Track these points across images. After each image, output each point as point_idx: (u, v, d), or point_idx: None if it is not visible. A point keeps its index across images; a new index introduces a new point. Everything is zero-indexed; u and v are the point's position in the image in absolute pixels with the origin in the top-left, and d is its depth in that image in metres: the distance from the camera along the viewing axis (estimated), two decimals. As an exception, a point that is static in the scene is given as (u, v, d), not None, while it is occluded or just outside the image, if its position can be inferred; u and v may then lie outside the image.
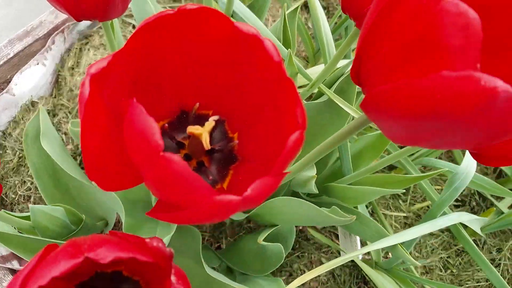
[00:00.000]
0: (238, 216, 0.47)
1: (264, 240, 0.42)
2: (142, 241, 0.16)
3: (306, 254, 0.57)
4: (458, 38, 0.14)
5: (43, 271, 0.15)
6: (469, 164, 0.43)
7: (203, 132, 0.19)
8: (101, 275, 0.21)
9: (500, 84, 0.14)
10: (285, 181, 0.42)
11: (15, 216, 0.37)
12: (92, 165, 0.16)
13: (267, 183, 0.15)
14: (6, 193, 0.56)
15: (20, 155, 0.58)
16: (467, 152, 0.46)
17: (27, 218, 0.39)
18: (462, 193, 0.69)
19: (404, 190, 0.40)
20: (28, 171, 0.57)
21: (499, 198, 0.68)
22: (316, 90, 0.47)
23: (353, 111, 0.39)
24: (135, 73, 0.17)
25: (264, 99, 0.18)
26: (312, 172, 0.43)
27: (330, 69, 0.40)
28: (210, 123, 0.19)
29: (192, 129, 0.19)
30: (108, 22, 0.37)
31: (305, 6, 0.76)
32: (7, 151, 0.58)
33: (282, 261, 0.44)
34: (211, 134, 0.20)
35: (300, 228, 0.61)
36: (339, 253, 0.58)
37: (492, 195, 0.68)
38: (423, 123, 0.17)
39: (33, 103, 0.61)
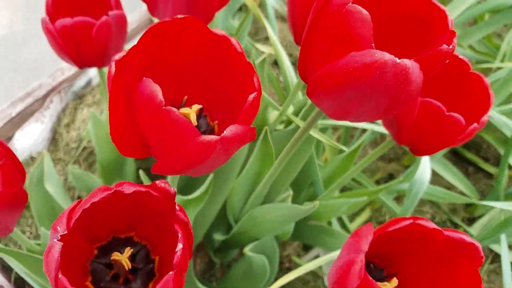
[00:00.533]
0: (222, 236, 0.51)
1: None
2: (153, 183, 0.22)
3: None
4: (358, 28, 0.22)
5: (86, 201, 0.21)
6: (423, 175, 0.50)
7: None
8: (117, 240, 0.26)
9: (387, 55, 0.22)
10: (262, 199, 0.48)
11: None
12: (116, 131, 0.22)
13: (238, 128, 0.22)
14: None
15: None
16: (421, 164, 0.53)
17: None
18: (434, 220, 0.75)
19: (365, 198, 0.46)
20: (30, 214, 0.61)
21: (470, 222, 0.74)
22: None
23: (316, 132, 0.46)
24: (143, 62, 0.24)
25: (234, 84, 0.25)
26: (288, 192, 0.49)
27: (291, 100, 0.47)
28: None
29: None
30: (104, 68, 0.45)
31: (276, 63, 0.86)
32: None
33: (267, 276, 0.49)
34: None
35: (286, 265, 0.65)
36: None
37: (463, 221, 0.74)
38: (347, 95, 0.24)
39: (32, 158, 0.67)
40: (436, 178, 0.78)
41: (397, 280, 0.26)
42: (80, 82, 0.75)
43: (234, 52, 0.24)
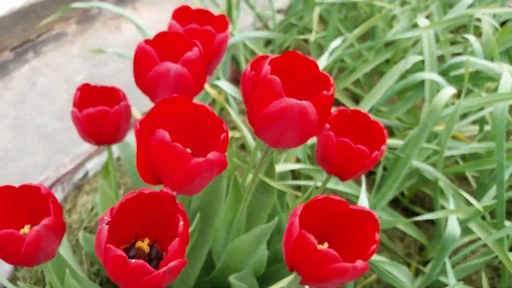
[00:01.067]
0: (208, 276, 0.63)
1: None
2: (161, 190, 0.36)
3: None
4: (274, 87, 0.39)
5: (121, 200, 0.34)
6: (363, 201, 0.64)
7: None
8: (135, 243, 0.39)
9: (293, 100, 0.38)
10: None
11: None
12: (140, 166, 0.37)
13: (216, 153, 0.37)
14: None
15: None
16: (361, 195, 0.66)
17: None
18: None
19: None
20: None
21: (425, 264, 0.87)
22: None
23: (274, 183, 0.60)
24: (155, 122, 0.40)
25: (211, 131, 0.41)
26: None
27: (253, 158, 0.63)
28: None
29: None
30: (110, 146, 0.59)
31: (243, 146, 1.02)
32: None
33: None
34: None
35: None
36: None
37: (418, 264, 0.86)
38: (276, 128, 0.40)
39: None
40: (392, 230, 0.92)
41: (327, 244, 0.39)
42: (79, 175, 0.89)
43: (209, 113, 0.40)
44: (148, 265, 0.33)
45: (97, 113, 0.52)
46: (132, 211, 0.37)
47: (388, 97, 0.96)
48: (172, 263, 0.33)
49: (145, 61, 0.47)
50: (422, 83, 0.93)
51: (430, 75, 0.86)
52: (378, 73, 1.10)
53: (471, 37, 0.89)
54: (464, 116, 0.92)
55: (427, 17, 1.10)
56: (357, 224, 0.39)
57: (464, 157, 0.98)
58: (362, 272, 0.36)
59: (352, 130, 0.54)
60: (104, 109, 0.53)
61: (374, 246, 0.36)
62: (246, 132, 0.73)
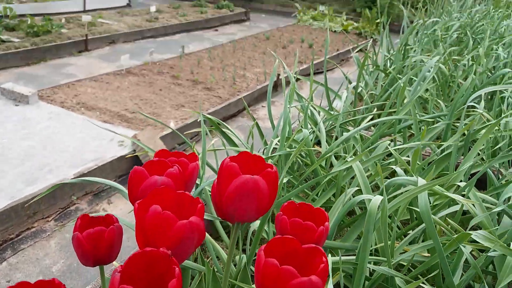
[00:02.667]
0: None
1: None
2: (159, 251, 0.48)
3: None
4: (232, 169, 0.56)
5: (125, 263, 0.46)
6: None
7: None
8: None
9: (248, 176, 0.55)
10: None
11: None
12: (139, 239, 0.50)
13: (197, 218, 0.51)
14: None
15: None
16: None
17: None
18: None
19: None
20: None
21: None
22: None
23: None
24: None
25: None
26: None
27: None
28: None
29: None
30: (103, 267, 0.70)
31: None
32: None
33: None
34: None
35: None
36: None
37: None
38: (236, 200, 0.55)
39: None
40: None
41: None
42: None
43: (187, 196, 0.55)
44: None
45: (95, 232, 0.65)
46: (137, 266, 0.48)
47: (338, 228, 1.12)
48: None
49: (138, 177, 0.63)
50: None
51: (366, 196, 1.05)
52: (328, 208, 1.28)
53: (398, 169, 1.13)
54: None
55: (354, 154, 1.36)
56: (308, 256, 0.52)
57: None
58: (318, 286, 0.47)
59: (300, 215, 0.69)
60: (101, 229, 0.66)
61: (323, 265, 0.48)
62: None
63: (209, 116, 1.24)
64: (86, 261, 0.68)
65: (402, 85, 1.71)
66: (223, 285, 0.65)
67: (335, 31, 7.46)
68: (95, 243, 0.67)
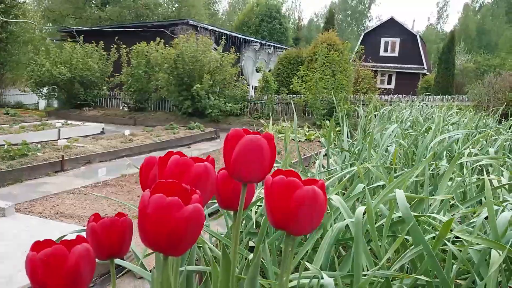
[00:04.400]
0: None
1: None
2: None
3: None
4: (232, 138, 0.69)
5: None
6: None
7: None
8: None
9: (251, 135, 0.69)
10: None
11: None
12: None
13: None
14: None
15: None
16: None
17: None
18: None
19: None
20: None
21: None
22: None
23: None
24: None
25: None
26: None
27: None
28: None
29: None
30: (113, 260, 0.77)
31: None
32: None
33: None
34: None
35: None
36: None
37: None
38: (243, 159, 0.68)
39: None
40: None
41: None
42: None
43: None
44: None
45: (109, 221, 0.74)
46: (162, 189, 0.59)
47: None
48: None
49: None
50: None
51: (349, 220, 1.16)
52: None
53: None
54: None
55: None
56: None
57: None
58: (323, 189, 0.58)
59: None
60: (115, 218, 0.75)
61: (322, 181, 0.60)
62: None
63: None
64: (100, 253, 0.75)
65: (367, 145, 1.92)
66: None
67: (299, 140, 7.98)
68: (109, 233, 0.75)
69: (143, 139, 7.72)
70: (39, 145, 6.51)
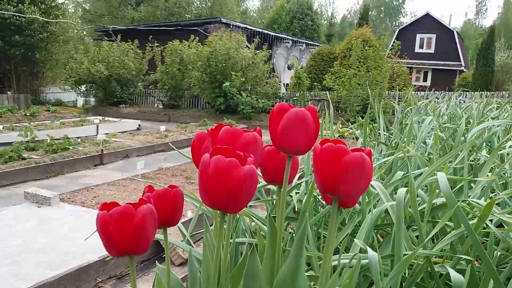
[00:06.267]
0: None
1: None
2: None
3: None
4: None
5: None
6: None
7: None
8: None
9: (296, 108, 0.72)
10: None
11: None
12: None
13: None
14: None
15: None
16: None
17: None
18: None
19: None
20: None
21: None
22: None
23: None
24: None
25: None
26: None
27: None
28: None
29: None
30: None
31: None
32: None
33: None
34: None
35: None
36: None
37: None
38: (288, 131, 0.71)
39: None
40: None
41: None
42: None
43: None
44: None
45: (163, 191, 0.79)
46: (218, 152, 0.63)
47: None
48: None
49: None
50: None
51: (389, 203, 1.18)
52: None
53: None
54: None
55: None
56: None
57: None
58: (370, 157, 0.61)
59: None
60: (167, 189, 0.81)
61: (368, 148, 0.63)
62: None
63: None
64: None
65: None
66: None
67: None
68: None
69: (178, 135, 7.88)
70: (79, 140, 6.77)
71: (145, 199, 0.68)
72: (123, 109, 13.05)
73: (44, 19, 14.09)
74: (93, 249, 2.74)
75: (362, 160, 0.60)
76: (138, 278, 2.59)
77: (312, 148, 0.67)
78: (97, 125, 8.69)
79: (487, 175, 1.64)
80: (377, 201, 1.45)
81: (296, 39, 20.37)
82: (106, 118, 10.14)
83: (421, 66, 24.62)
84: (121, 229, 0.61)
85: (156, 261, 0.98)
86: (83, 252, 2.69)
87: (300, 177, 1.85)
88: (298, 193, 1.69)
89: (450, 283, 1.18)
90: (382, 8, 47.77)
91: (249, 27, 16.96)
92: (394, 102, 5.43)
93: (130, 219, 0.62)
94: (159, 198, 0.79)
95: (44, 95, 16.69)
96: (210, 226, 0.89)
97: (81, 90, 14.12)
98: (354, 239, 1.01)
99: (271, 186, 1.40)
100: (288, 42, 19.17)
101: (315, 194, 1.47)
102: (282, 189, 0.79)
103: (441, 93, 9.97)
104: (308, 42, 21.04)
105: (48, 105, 12.94)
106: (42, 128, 7.98)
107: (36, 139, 6.40)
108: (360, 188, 0.62)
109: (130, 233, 0.62)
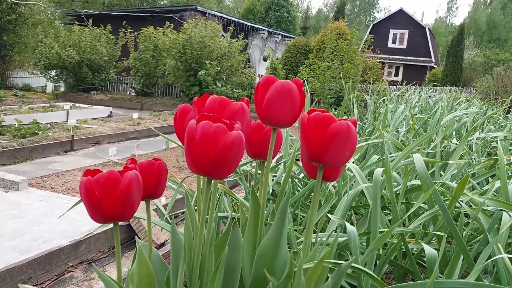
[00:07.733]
0: None
1: None
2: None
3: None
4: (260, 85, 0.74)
5: None
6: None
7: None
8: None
9: (282, 80, 0.73)
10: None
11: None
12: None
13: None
14: None
15: None
16: None
17: None
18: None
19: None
20: None
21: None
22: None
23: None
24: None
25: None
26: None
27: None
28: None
29: None
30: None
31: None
32: None
33: None
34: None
35: None
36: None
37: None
38: (273, 103, 0.72)
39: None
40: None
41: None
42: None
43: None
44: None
45: (147, 163, 0.79)
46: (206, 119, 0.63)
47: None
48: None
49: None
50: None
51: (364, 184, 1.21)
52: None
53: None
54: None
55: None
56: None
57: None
58: (355, 126, 0.62)
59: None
60: (151, 161, 0.80)
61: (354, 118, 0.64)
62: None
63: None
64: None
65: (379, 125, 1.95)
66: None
67: (307, 128, 8.01)
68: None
69: (151, 123, 7.77)
70: (48, 125, 6.58)
71: (130, 167, 0.68)
72: (94, 96, 12.75)
73: (13, 0, 13.54)
74: (65, 234, 2.69)
75: (348, 128, 0.62)
76: (110, 263, 2.56)
77: (298, 119, 0.68)
78: (67, 111, 8.46)
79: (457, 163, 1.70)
80: (352, 184, 1.49)
81: (272, 30, 20.34)
82: (77, 104, 9.88)
83: (394, 62, 25.08)
84: (107, 195, 0.61)
85: (137, 239, 0.98)
86: (53, 236, 2.64)
87: (277, 160, 1.87)
88: (276, 176, 1.71)
89: (421, 262, 1.22)
90: (357, 3, 48.27)
91: (225, 16, 16.80)
92: (366, 95, 5.54)
93: (116, 185, 0.61)
94: (144, 170, 0.78)
95: (11, 79, 16.08)
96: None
97: (51, 75, 13.68)
98: (331, 216, 1.04)
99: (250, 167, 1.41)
100: (264, 33, 19.13)
101: (292, 175, 1.49)
102: (266, 163, 0.79)
103: (412, 85, 10.20)
104: (283, 33, 21.05)
105: (16, 89, 12.50)
106: (9, 113, 7.71)
107: (3, 123, 6.18)
108: (345, 155, 0.63)
109: (116, 198, 0.61)
